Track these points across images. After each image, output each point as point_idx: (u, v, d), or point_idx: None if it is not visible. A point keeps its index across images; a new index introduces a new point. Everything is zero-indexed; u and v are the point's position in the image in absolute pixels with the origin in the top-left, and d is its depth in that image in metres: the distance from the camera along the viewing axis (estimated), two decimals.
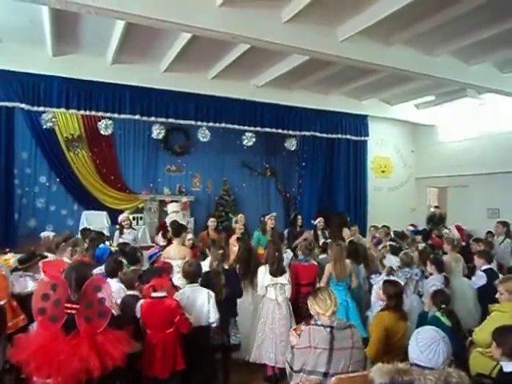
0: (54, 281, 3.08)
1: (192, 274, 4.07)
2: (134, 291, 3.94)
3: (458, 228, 9.17)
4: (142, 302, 3.73)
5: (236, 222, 6.63)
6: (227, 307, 4.21)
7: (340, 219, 9.06)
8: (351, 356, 2.74)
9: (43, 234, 6.54)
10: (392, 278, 5.00)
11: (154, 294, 3.69)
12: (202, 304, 3.88)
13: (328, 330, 2.75)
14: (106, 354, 2.92)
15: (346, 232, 8.10)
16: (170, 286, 3.94)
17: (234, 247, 5.86)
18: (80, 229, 7.24)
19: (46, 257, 4.84)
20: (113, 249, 5.52)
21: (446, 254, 6.29)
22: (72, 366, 2.81)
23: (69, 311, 2.95)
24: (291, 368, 2.85)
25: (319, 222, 8.44)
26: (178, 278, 4.72)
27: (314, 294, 3.02)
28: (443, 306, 4.01)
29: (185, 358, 3.67)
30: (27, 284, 4.20)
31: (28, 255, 4.54)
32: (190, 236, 6.45)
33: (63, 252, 5.00)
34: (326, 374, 2.67)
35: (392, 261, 5.56)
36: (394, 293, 3.80)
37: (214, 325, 3.95)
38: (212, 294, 3.98)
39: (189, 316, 3.73)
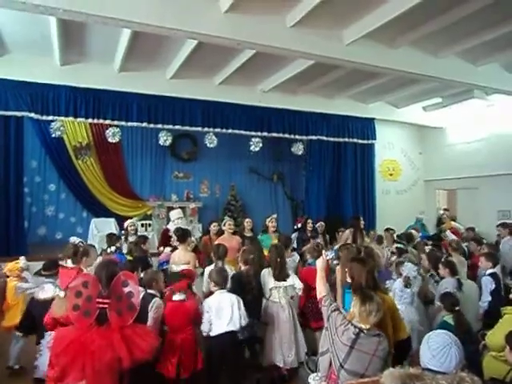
0: (84, 279, 3.28)
1: (220, 280, 4.10)
2: (153, 290, 4.00)
3: (454, 232, 9.08)
4: (159, 301, 3.85)
5: (224, 225, 6.63)
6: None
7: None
8: (370, 362, 2.70)
9: (72, 239, 6.46)
10: (407, 289, 4.87)
11: (175, 298, 3.90)
12: (231, 310, 3.92)
13: (356, 331, 2.75)
14: (134, 346, 3.10)
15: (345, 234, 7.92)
16: (187, 289, 4.08)
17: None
18: (106, 234, 7.04)
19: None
20: (129, 258, 5.59)
21: (450, 256, 6.23)
22: (106, 355, 3.00)
23: (101, 306, 3.16)
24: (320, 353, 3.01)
25: (320, 226, 8.39)
26: None
27: (366, 299, 2.81)
28: (453, 308, 3.96)
29: (210, 362, 3.84)
30: (49, 290, 4.29)
31: (51, 262, 4.62)
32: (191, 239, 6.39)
33: (79, 263, 4.97)
34: (341, 366, 2.73)
35: (410, 269, 5.35)
36: None
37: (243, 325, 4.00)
38: (240, 299, 4.02)
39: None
